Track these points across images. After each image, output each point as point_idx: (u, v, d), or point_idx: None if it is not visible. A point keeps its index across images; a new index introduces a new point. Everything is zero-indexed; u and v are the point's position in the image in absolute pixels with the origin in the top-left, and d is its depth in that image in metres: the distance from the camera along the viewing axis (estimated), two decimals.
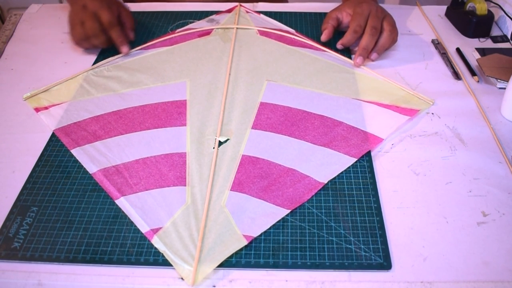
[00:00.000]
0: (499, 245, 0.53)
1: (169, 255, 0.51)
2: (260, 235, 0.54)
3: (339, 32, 0.86)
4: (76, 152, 0.64)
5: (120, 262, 0.51)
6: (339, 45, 0.83)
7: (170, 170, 0.61)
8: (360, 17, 0.79)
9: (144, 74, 0.78)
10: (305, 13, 0.95)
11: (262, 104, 0.71)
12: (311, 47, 0.84)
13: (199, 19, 0.93)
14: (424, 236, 0.54)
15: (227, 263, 0.51)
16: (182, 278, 0.49)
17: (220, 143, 0.65)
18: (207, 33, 0.89)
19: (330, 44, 0.85)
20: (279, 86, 0.75)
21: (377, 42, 0.80)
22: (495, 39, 0.87)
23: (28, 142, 0.66)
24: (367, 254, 0.52)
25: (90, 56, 0.84)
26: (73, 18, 0.81)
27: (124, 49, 0.82)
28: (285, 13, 0.95)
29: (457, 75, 0.78)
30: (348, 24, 0.83)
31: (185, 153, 0.63)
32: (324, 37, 0.84)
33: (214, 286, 0.49)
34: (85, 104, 0.72)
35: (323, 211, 0.56)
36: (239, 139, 0.65)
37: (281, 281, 0.50)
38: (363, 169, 0.61)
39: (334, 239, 0.53)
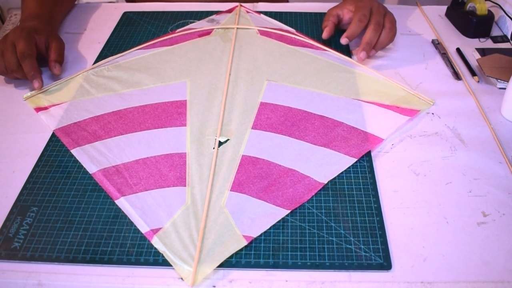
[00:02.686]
0: (499, 245, 0.53)
1: (169, 256, 0.51)
2: (260, 235, 0.54)
3: (339, 30, 0.86)
4: (76, 152, 0.64)
5: (120, 262, 0.51)
6: (343, 39, 0.80)
7: (170, 170, 0.61)
8: (363, 8, 0.79)
9: (144, 74, 0.78)
10: (306, 13, 0.95)
11: (262, 104, 0.71)
12: (311, 46, 0.84)
13: (199, 19, 0.93)
14: (424, 236, 0.54)
15: (227, 263, 0.51)
16: (182, 279, 0.50)
17: (220, 143, 0.65)
18: (207, 33, 0.89)
19: (331, 42, 0.85)
20: (279, 86, 0.75)
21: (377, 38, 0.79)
22: (495, 39, 0.87)
23: (28, 142, 0.66)
24: (367, 254, 0.52)
25: (90, 56, 0.84)
26: None
27: (35, 83, 0.73)
28: (286, 13, 0.95)
29: (457, 75, 0.78)
30: (349, 21, 0.82)
31: (185, 153, 0.63)
32: (325, 34, 0.84)
33: (214, 286, 0.49)
34: (85, 104, 0.72)
35: (323, 211, 0.56)
36: (239, 139, 0.65)
37: (281, 281, 0.50)
38: (363, 169, 0.61)
39: (334, 239, 0.53)
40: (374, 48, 0.80)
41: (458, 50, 0.84)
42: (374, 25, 0.78)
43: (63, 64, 0.81)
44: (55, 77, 0.77)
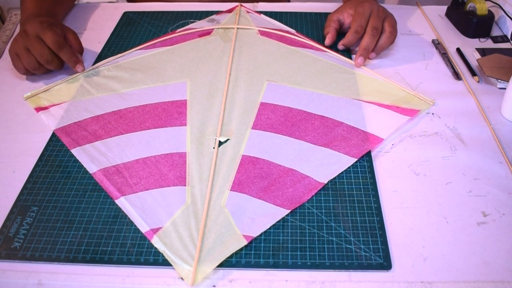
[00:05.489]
0: (499, 245, 0.53)
1: (169, 255, 0.51)
2: (260, 235, 0.54)
3: (341, 33, 0.86)
4: (76, 152, 0.64)
5: (120, 262, 0.51)
6: (340, 46, 0.83)
7: (170, 170, 0.61)
8: (361, 17, 0.80)
9: (145, 74, 0.78)
10: (306, 13, 0.95)
11: (262, 104, 0.71)
12: (311, 47, 0.84)
13: (200, 19, 0.93)
14: (424, 236, 0.54)
15: (227, 263, 0.51)
16: (182, 278, 0.50)
17: (220, 143, 0.65)
18: (207, 33, 0.89)
19: (331, 44, 0.85)
20: (279, 87, 0.75)
21: (377, 42, 0.80)
22: (495, 39, 0.87)
23: (28, 142, 0.67)
24: (367, 254, 0.52)
25: (90, 56, 0.84)
26: (15, 47, 0.73)
27: (79, 68, 0.76)
28: (286, 13, 0.95)
29: (457, 75, 0.78)
30: (350, 25, 0.83)
31: (185, 153, 0.63)
32: (328, 41, 0.84)
33: (214, 286, 0.49)
34: (86, 104, 0.72)
35: (323, 211, 0.56)
36: (239, 139, 0.65)
37: (281, 281, 0.50)
38: (363, 169, 0.61)
39: (334, 239, 0.53)
40: (374, 51, 0.80)
41: (458, 50, 0.84)
42: (371, 30, 0.78)
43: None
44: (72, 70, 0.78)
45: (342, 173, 0.61)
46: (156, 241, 0.53)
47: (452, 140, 0.66)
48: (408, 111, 0.70)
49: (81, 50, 0.80)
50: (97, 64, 0.80)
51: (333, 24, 0.85)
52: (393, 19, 0.82)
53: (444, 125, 0.68)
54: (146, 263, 0.51)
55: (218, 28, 0.90)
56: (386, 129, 0.67)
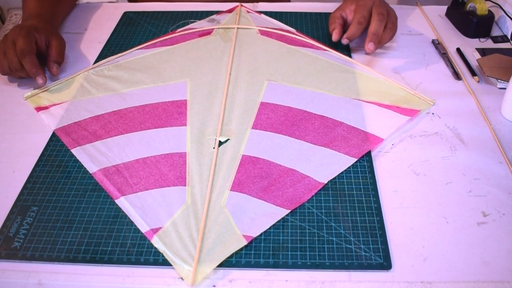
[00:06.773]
0: (499, 245, 0.53)
1: (168, 255, 0.51)
2: (260, 235, 0.54)
3: (345, 31, 0.86)
4: (76, 151, 0.64)
5: (120, 262, 0.51)
6: (344, 40, 0.82)
7: (170, 170, 0.61)
8: (363, 9, 0.80)
9: (145, 73, 0.78)
10: (306, 13, 0.95)
11: (262, 104, 0.71)
12: (312, 46, 0.84)
13: (200, 19, 0.93)
14: (424, 236, 0.54)
15: (227, 263, 0.51)
16: (182, 278, 0.50)
17: (220, 143, 0.65)
18: (207, 33, 0.89)
19: (331, 42, 0.85)
20: (279, 86, 0.75)
21: None
22: (495, 39, 0.87)
23: (29, 141, 0.67)
24: (367, 254, 0.52)
25: (90, 55, 0.84)
26: None
27: (39, 80, 0.72)
28: (286, 13, 0.95)
29: (457, 75, 0.78)
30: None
31: (185, 153, 0.63)
32: (335, 36, 0.83)
33: (214, 286, 0.49)
34: (86, 104, 0.72)
35: (323, 211, 0.56)
36: (239, 139, 0.65)
37: (281, 281, 0.50)
38: (363, 169, 0.61)
39: (334, 239, 0.53)
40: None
41: (458, 50, 0.84)
42: (377, 16, 0.78)
43: (64, 64, 0.81)
44: (53, 77, 0.77)
45: (342, 173, 0.61)
46: (156, 241, 0.53)
47: (452, 140, 0.66)
48: (408, 111, 0.70)
49: (59, 60, 0.77)
50: (97, 64, 0.80)
51: (338, 20, 0.85)
52: (394, 14, 0.82)
53: (444, 125, 0.68)
54: (146, 263, 0.51)
55: (218, 28, 0.90)
56: (386, 129, 0.67)
